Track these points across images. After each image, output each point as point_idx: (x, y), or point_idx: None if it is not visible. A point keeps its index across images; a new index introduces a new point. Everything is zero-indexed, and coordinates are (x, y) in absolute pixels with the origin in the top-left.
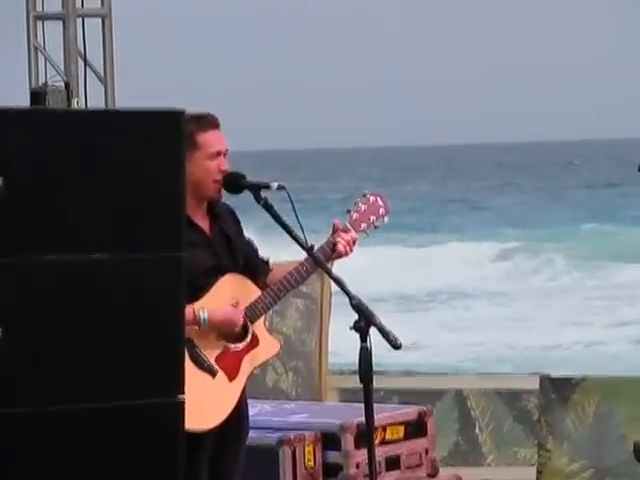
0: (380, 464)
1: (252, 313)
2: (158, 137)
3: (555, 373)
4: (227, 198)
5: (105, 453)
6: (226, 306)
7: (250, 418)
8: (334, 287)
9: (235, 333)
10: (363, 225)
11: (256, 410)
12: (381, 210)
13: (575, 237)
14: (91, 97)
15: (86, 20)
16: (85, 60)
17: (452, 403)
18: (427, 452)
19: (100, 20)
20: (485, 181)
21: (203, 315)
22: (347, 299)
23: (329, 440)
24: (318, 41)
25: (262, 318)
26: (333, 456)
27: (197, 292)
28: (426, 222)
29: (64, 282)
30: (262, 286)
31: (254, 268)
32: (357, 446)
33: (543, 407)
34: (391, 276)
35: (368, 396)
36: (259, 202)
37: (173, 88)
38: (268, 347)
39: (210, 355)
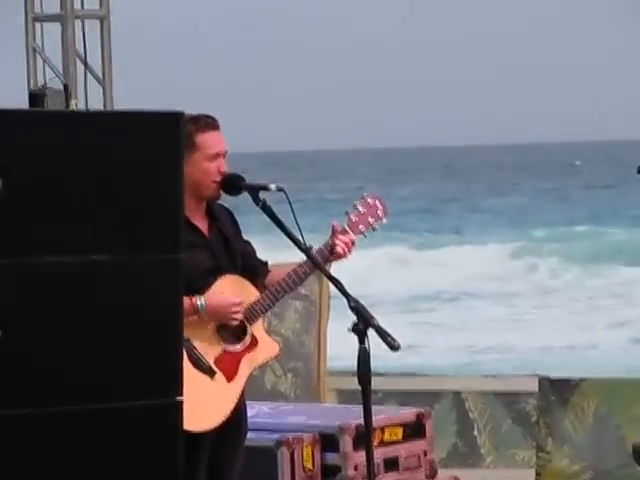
0: (378, 466)
1: (251, 314)
2: (157, 139)
3: (554, 375)
4: (226, 199)
5: (104, 454)
6: (224, 293)
7: (248, 419)
8: (332, 289)
9: (233, 326)
10: (361, 227)
11: (254, 412)
12: (379, 212)
13: (573, 238)
14: (90, 99)
15: (85, 22)
16: (85, 62)
17: (450, 405)
18: (425, 454)
19: (99, 22)
20: (485, 182)
21: (201, 303)
22: (345, 303)
23: (327, 441)
24: (318, 42)
25: (261, 319)
26: (331, 457)
27: (196, 293)
28: (425, 223)
29: (63, 283)
30: (260, 288)
31: (252, 269)
32: (355, 448)
33: (542, 409)
34: (389, 278)
35: (366, 398)
36: (257, 204)
37: (173, 89)
38: (267, 348)
39: (209, 356)
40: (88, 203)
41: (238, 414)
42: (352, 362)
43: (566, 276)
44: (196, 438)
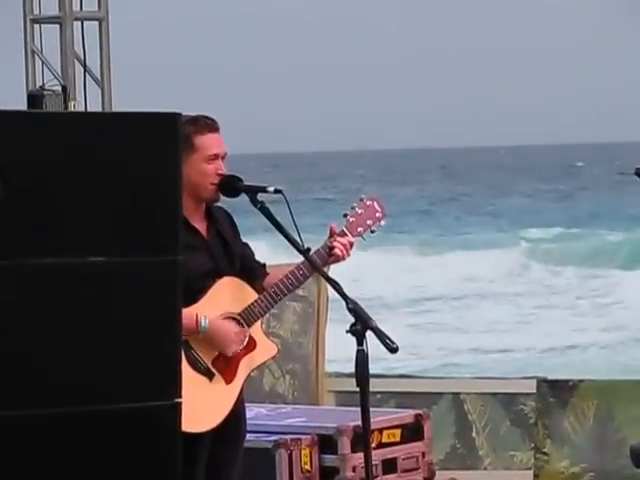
0: (377, 467)
1: (249, 316)
2: (155, 140)
3: (552, 376)
4: (224, 200)
5: (102, 456)
6: (232, 326)
7: (247, 421)
8: (331, 291)
9: (228, 351)
10: (360, 229)
11: (252, 414)
12: (378, 214)
13: (573, 240)
14: (88, 100)
15: (83, 23)
16: (85, 64)
17: (449, 406)
18: (424, 455)
19: (97, 23)
20: (486, 183)
21: (204, 324)
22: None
23: (326, 443)
24: (318, 44)
25: (259, 321)
26: (330, 459)
27: (194, 295)
28: (424, 224)
29: (61, 285)
30: (259, 289)
31: (251, 271)
32: (354, 449)
33: (540, 410)
34: (388, 279)
35: (365, 399)
36: (256, 205)
37: (172, 90)
38: (265, 350)
39: (207, 358)
40: (86, 204)
41: (237, 415)
42: (351, 367)
43: (563, 278)
44: (195, 439)
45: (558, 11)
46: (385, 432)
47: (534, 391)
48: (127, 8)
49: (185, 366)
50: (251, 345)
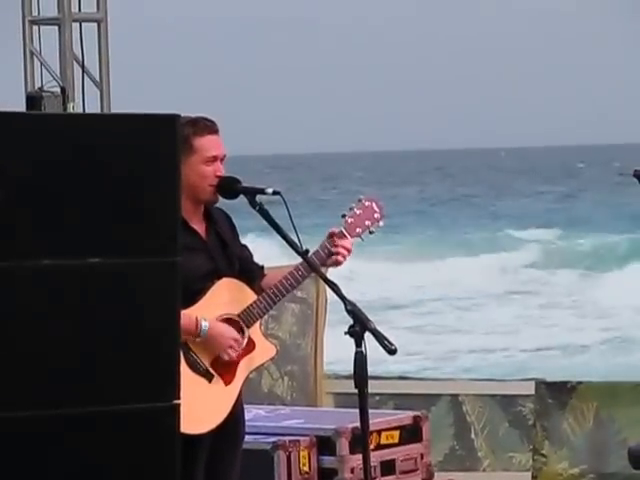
0: (375, 469)
1: (248, 317)
2: (154, 141)
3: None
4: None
5: (101, 457)
6: (231, 330)
7: (245, 423)
8: (330, 293)
9: (225, 355)
10: (358, 230)
11: (251, 415)
12: (376, 215)
13: (572, 241)
14: (87, 102)
15: (82, 25)
16: (83, 65)
17: (447, 408)
18: (422, 457)
19: (96, 25)
20: (485, 185)
21: (204, 327)
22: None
23: (324, 445)
24: (318, 45)
25: (258, 322)
26: (328, 461)
27: (194, 296)
28: (423, 225)
29: (60, 286)
30: (257, 291)
31: (249, 273)
32: (352, 451)
33: (539, 412)
34: (384, 281)
35: (363, 401)
36: (254, 207)
37: (171, 91)
38: (264, 351)
39: (206, 359)
40: (85, 206)
41: (235, 416)
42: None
43: (563, 279)
44: (194, 441)
45: (558, 12)
46: (384, 434)
47: (533, 393)
48: (126, 9)
49: (184, 367)
50: (250, 346)
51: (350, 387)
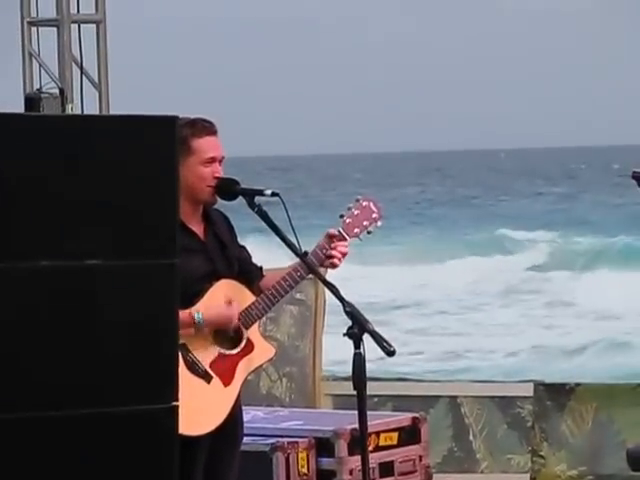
0: (374, 470)
1: (247, 318)
2: (152, 143)
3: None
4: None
5: (100, 458)
6: (220, 304)
7: (244, 424)
8: (329, 296)
9: (230, 331)
10: (356, 230)
11: (249, 417)
12: (374, 215)
13: (570, 242)
14: (86, 103)
15: (81, 26)
16: (81, 66)
17: (446, 410)
18: (421, 459)
19: (94, 26)
20: (485, 186)
21: (198, 316)
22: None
23: (323, 446)
24: (318, 47)
25: (257, 323)
26: (327, 462)
27: (192, 297)
28: (422, 226)
29: (58, 288)
30: (256, 292)
31: (248, 274)
32: (351, 452)
33: (537, 414)
34: (384, 282)
35: (362, 402)
36: (253, 209)
37: (169, 93)
38: (263, 352)
39: (205, 361)
40: (83, 207)
41: (234, 418)
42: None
43: (563, 280)
44: (192, 442)
45: (558, 13)
46: (382, 435)
47: (531, 394)
48: (124, 10)
49: (183, 369)
50: (249, 347)
51: (349, 389)
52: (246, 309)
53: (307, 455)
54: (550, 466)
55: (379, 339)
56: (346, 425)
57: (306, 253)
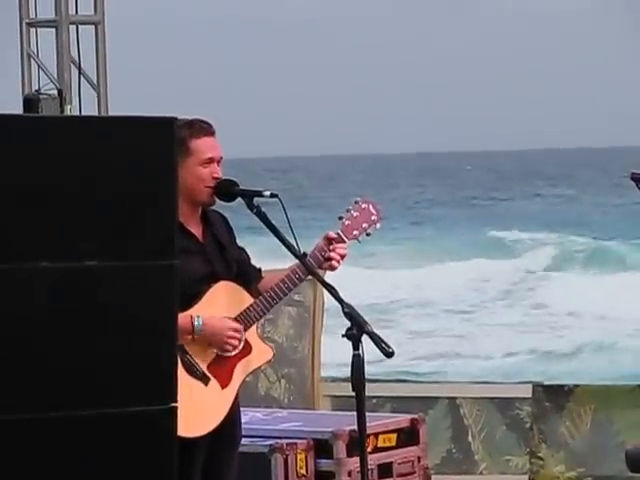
0: (372, 472)
1: (245, 320)
2: (151, 144)
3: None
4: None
5: (98, 459)
6: (224, 319)
7: (242, 425)
8: (327, 297)
9: (226, 349)
10: (355, 232)
11: (248, 418)
12: (373, 217)
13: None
14: (84, 104)
15: (79, 27)
16: (79, 67)
17: (445, 411)
18: (419, 460)
19: (93, 27)
20: (485, 187)
21: (198, 321)
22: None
23: (321, 448)
24: (318, 47)
25: (255, 325)
26: (325, 464)
27: (191, 299)
28: (422, 226)
29: (58, 289)
30: (254, 293)
31: (246, 275)
32: (349, 454)
33: (536, 415)
34: (383, 283)
35: (360, 404)
36: (252, 210)
37: (168, 95)
38: (261, 354)
39: (202, 362)
40: (81, 208)
41: (232, 419)
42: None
43: (562, 281)
44: (190, 443)
45: (558, 14)
46: (381, 436)
47: (530, 396)
48: (123, 11)
49: (180, 371)
50: (247, 349)
51: (347, 390)
52: (244, 311)
53: (306, 456)
54: (549, 467)
55: (378, 340)
56: (345, 426)
57: (305, 254)
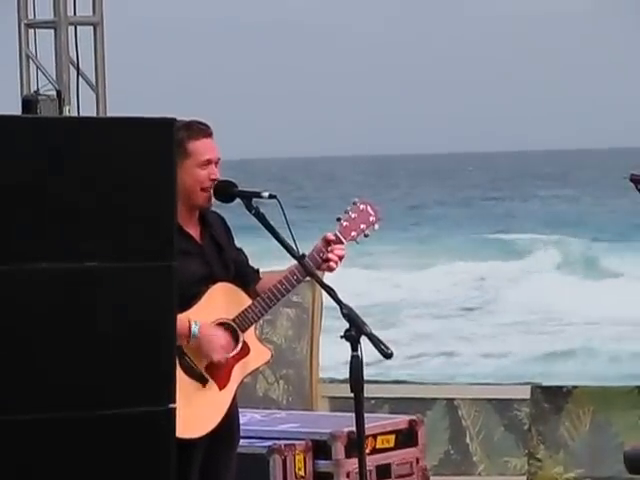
0: (371, 473)
1: (243, 322)
2: (150, 145)
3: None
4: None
5: (97, 461)
6: (220, 331)
7: (240, 427)
8: (326, 297)
9: (210, 358)
10: (353, 233)
11: (246, 419)
12: (372, 218)
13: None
14: (83, 105)
15: (78, 28)
16: (78, 68)
17: (443, 412)
18: (418, 461)
19: (92, 28)
20: (484, 188)
21: (195, 329)
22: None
23: (320, 449)
24: (318, 49)
25: (253, 327)
26: (324, 465)
27: (189, 301)
28: (421, 227)
29: (58, 290)
30: (252, 295)
31: (244, 277)
32: (348, 455)
33: (534, 416)
34: (384, 285)
35: (359, 405)
36: (251, 211)
37: (167, 95)
38: (259, 355)
39: (200, 364)
40: (81, 209)
41: (230, 420)
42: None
43: (562, 282)
44: (188, 444)
45: (559, 15)
46: (379, 438)
47: (528, 397)
48: (122, 12)
49: (178, 372)
50: (245, 351)
51: (346, 391)
52: (242, 312)
53: (304, 458)
54: (547, 469)
55: (376, 341)
56: (343, 427)
57: (304, 255)
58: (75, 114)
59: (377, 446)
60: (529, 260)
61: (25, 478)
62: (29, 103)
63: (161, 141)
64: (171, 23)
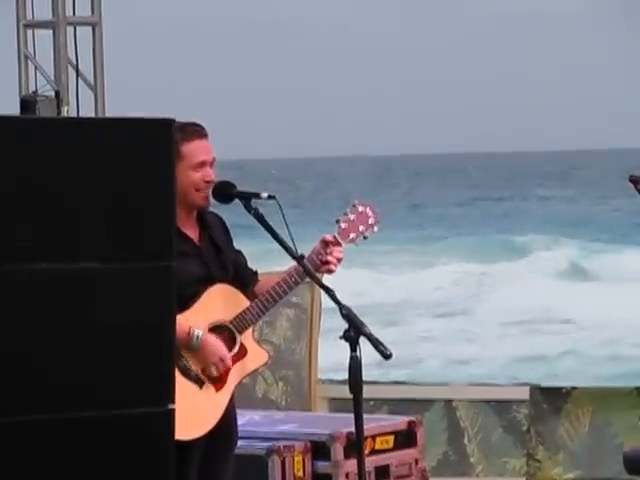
0: (370, 474)
1: (241, 323)
2: (149, 146)
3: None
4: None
5: (95, 462)
6: (220, 345)
7: (239, 428)
8: (325, 299)
9: (210, 370)
10: (352, 235)
11: (245, 420)
12: (371, 220)
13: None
14: (81, 105)
15: (76, 28)
16: (77, 69)
17: (441, 413)
18: (417, 462)
19: (90, 28)
20: (484, 189)
21: (197, 334)
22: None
23: (319, 450)
24: (318, 48)
25: (251, 328)
26: (323, 466)
27: (187, 302)
28: (421, 227)
29: (57, 290)
30: (250, 296)
31: (243, 278)
32: (347, 456)
33: (533, 417)
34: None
35: (358, 406)
36: (250, 212)
37: (166, 96)
38: (256, 357)
39: (197, 365)
40: (80, 210)
41: (228, 421)
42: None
43: (561, 282)
44: (186, 446)
45: (559, 16)
46: (378, 439)
47: (527, 398)
48: (120, 12)
49: (176, 373)
50: (242, 352)
51: (345, 392)
52: (240, 314)
53: (303, 459)
54: (546, 470)
55: (375, 342)
56: (342, 428)
57: (303, 256)
58: (74, 114)
59: (376, 447)
60: (529, 260)
61: (25, 479)
62: (28, 103)
63: (160, 141)
64: (170, 23)
